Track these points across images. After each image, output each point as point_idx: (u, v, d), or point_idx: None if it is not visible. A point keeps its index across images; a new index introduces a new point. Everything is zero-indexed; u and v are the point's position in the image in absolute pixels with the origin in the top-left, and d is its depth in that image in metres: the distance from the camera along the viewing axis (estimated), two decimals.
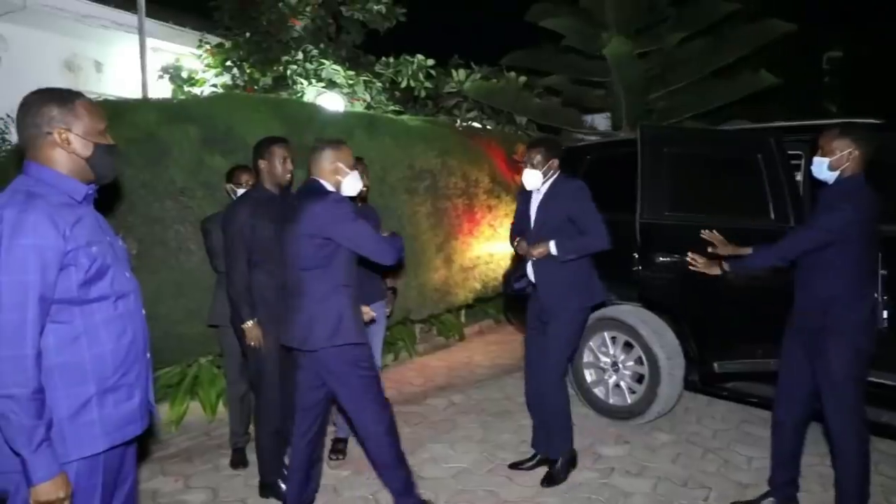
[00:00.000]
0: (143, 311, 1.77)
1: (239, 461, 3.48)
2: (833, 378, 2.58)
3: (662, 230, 3.83)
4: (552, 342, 3.18)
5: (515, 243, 3.35)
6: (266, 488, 3.14)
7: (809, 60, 12.32)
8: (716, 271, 2.85)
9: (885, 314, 2.91)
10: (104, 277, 1.61)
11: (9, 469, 1.51)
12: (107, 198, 3.60)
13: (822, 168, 2.65)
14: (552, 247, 3.09)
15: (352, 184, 2.69)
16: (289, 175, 3.04)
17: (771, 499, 2.95)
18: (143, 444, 3.56)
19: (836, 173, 2.61)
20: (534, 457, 3.44)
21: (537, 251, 3.11)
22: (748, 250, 2.96)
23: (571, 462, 3.33)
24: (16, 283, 1.44)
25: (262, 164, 3.00)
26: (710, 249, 3.05)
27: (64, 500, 1.48)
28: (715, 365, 3.71)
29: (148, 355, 1.78)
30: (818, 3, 11.00)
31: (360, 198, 3.60)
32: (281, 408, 3.06)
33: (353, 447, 3.65)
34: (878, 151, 3.13)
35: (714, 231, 3.07)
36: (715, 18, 8.62)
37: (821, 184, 2.73)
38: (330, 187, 2.65)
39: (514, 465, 3.44)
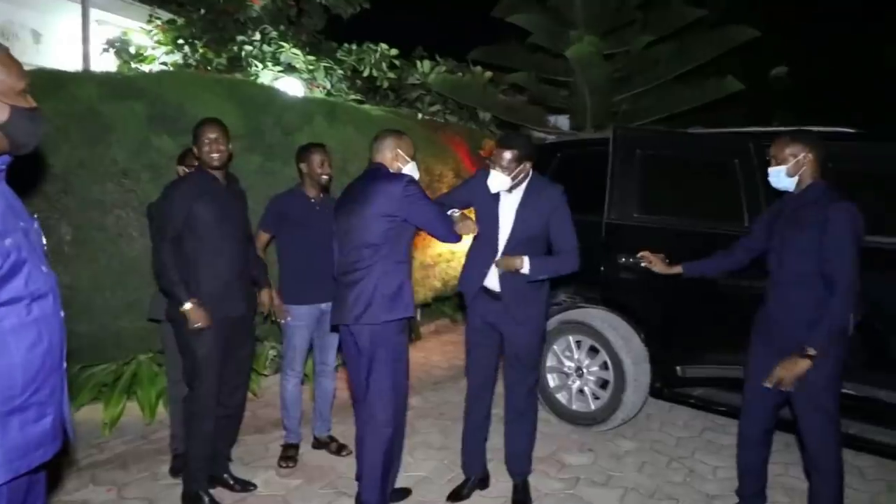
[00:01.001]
0: (62, 313, 1.49)
1: (180, 468, 3.19)
2: (811, 389, 2.49)
3: (629, 231, 3.78)
4: (525, 354, 2.94)
5: (460, 216, 2.94)
6: (189, 499, 2.85)
7: (761, 70, 12.55)
8: (806, 365, 2.45)
9: (852, 324, 2.87)
10: (18, 275, 1.33)
11: None
12: (34, 176, 3.28)
13: (779, 177, 2.60)
14: (525, 265, 2.80)
15: (411, 173, 2.76)
16: (216, 155, 2.78)
17: None
18: (70, 452, 3.25)
19: (795, 179, 2.57)
20: (467, 480, 3.13)
21: (506, 265, 2.82)
22: (679, 269, 3.03)
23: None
24: None
25: (195, 149, 2.83)
26: (643, 264, 3.12)
27: None
28: (678, 369, 3.67)
29: (65, 365, 1.50)
30: (772, 16, 11.17)
31: (323, 188, 3.38)
32: (217, 405, 2.84)
33: (304, 454, 3.44)
34: (850, 161, 3.14)
35: (647, 253, 3.10)
36: (681, 24, 8.67)
37: (781, 195, 2.69)
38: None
39: (453, 496, 3.07)
